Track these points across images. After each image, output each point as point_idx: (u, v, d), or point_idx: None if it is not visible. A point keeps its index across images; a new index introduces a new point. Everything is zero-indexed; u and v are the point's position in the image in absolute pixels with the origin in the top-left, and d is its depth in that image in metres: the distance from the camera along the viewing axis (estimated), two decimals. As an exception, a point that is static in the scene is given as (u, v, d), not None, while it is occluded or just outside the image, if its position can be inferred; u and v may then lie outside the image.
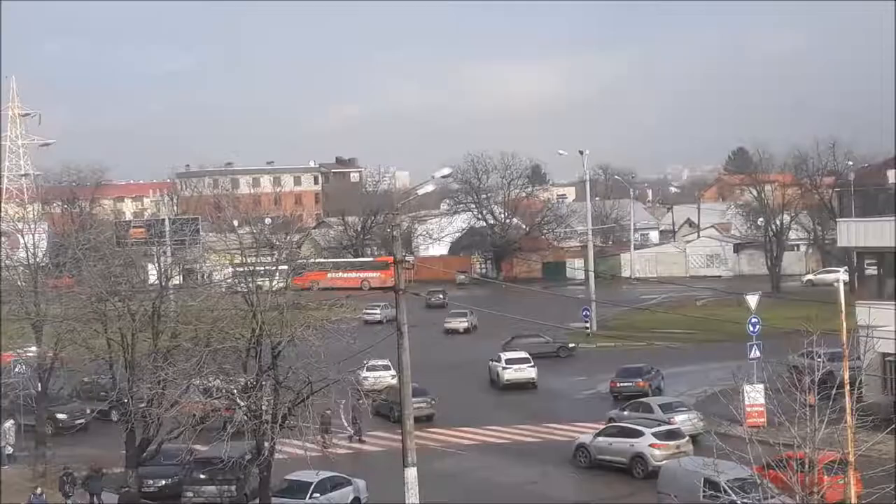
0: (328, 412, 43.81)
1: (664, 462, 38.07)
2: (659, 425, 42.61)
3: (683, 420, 45.45)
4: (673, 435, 41.63)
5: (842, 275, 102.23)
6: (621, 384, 55.47)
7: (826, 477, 28.79)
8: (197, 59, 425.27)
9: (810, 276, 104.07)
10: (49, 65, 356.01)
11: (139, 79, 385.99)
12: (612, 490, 39.95)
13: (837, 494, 27.89)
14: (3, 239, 52.87)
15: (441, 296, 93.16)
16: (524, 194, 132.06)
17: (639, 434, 41.51)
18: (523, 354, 62.12)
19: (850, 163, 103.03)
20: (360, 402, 44.13)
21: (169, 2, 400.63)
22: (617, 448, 41.70)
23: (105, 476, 39.24)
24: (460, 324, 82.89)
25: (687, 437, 41.81)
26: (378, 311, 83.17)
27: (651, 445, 40.75)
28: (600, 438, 42.59)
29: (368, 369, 55.47)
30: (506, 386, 59.66)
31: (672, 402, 48.87)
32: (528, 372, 60.28)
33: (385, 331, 64.65)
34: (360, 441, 48.04)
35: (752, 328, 48.61)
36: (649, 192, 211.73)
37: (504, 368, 60.34)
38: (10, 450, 43.70)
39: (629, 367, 56.90)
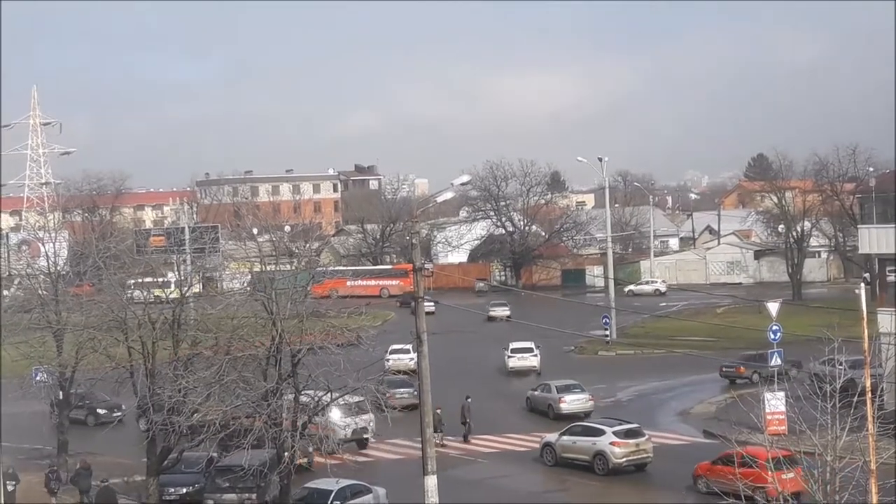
0: (438, 410, 45.64)
1: None
2: (620, 424, 43.93)
3: (573, 399, 53.01)
4: (632, 434, 43.21)
5: (659, 285, 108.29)
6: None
7: (770, 472, 30.52)
8: (216, 68, 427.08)
9: (631, 287, 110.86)
10: (70, 74, 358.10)
11: (159, 87, 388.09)
12: (628, 498, 39.97)
13: (782, 488, 29.13)
14: (23, 247, 53.07)
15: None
16: (543, 201, 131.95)
17: (600, 433, 43.17)
18: (528, 344, 67.12)
19: (871, 168, 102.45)
20: (468, 399, 48.87)
21: (187, 8, 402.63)
22: (580, 446, 43.44)
23: (93, 473, 39.79)
24: (502, 312, 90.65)
25: (647, 436, 43.54)
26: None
27: (611, 443, 42.47)
28: (565, 437, 44.21)
29: (391, 353, 60.98)
30: (511, 372, 66.02)
31: (570, 384, 54.71)
32: (530, 360, 66.53)
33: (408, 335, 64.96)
34: (467, 441, 49.16)
35: (773, 336, 48.49)
36: (669, 199, 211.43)
37: (509, 357, 66.81)
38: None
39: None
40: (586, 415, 52.36)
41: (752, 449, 34.81)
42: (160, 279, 42.18)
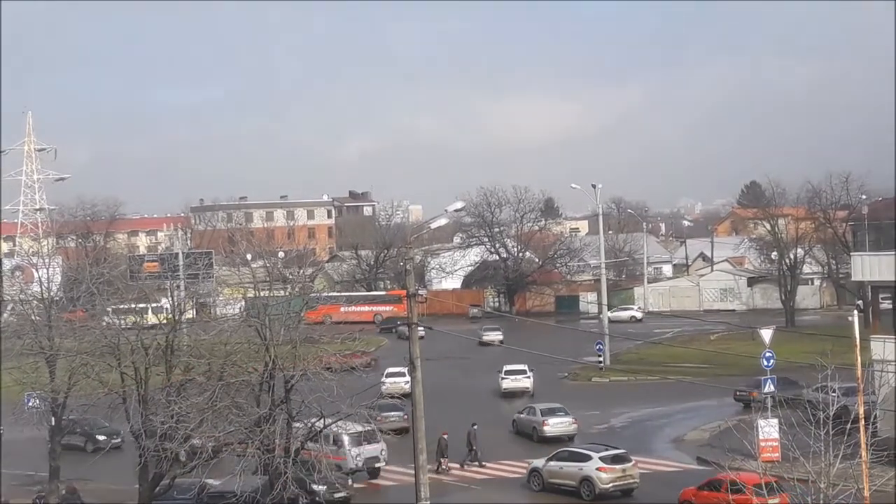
0: (445, 437, 47.75)
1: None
2: (606, 450, 44.23)
3: (556, 423, 53.82)
4: (619, 459, 43.47)
5: (635, 312, 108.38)
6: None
7: (755, 498, 32.42)
8: (211, 94, 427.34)
9: (609, 314, 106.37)
10: (64, 100, 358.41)
11: (155, 113, 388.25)
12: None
13: None
14: (16, 273, 52.97)
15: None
16: (537, 228, 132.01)
17: (587, 458, 43.42)
18: (521, 367, 68.50)
19: (864, 196, 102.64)
20: (474, 426, 49.39)
21: (184, 34, 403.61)
22: (567, 472, 43.60)
23: (80, 497, 40.51)
24: (495, 336, 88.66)
25: (633, 461, 43.66)
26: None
27: (598, 469, 42.70)
28: (552, 463, 44.38)
29: (387, 376, 63.00)
30: (504, 394, 67.61)
31: (554, 408, 55.49)
32: (524, 382, 68.19)
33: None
34: (480, 465, 49.25)
35: (766, 362, 48.52)
36: (662, 226, 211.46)
37: (503, 378, 68.38)
38: None
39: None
40: (570, 438, 53.06)
41: (740, 475, 36.32)
42: (146, 305, 42.13)
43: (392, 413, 53.19)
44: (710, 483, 38.35)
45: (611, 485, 42.54)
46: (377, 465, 46.56)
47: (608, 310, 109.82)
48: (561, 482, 43.63)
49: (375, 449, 46.03)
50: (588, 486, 42.71)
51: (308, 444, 40.21)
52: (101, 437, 53.32)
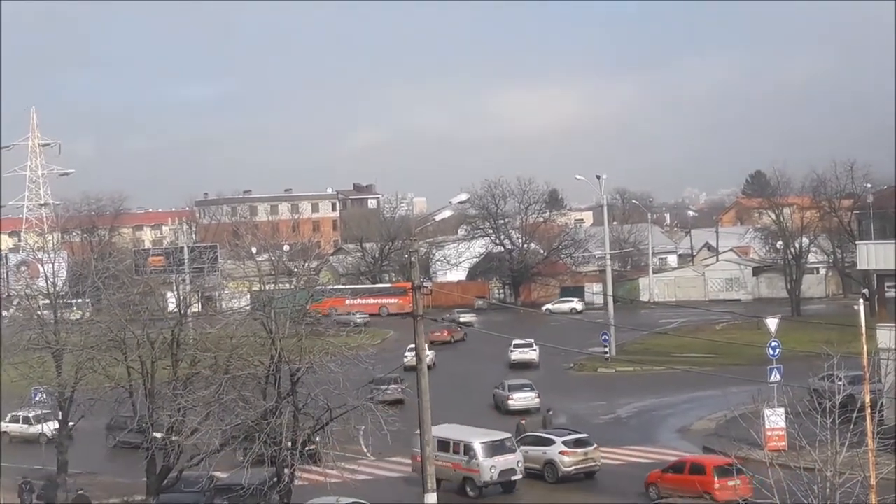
0: (523, 423, 49.91)
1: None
2: (569, 434, 45.82)
3: (520, 397, 59.27)
4: (581, 443, 45.03)
5: (575, 304, 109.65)
6: None
7: (716, 479, 37.79)
8: (216, 89, 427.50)
9: (549, 306, 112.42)
10: (69, 95, 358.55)
11: (159, 107, 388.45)
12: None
13: (728, 495, 35.84)
14: (22, 268, 53.04)
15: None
16: (541, 219, 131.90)
17: (550, 442, 44.86)
18: (528, 341, 75.78)
19: (869, 185, 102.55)
20: (549, 412, 50.93)
21: (190, 30, 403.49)
22: (532, 455, 44.48)
23: (58, 486, 40.65)
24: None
25: (595, 445, 45.14)
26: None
27: (561, 453, 44.15)
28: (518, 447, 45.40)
29: (409, 350, 65.99)
30: (512, 365, 73.68)
31: (521, 384, 61.32)
32: (530, 354, 75.32)
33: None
34: None
35: (772, 352, 48.51)
36: (667, 216, 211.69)
37: (512, 351, 75.20)
38: None
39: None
40: (536, 411, 57.03)
41: (699, 458, 42.70)
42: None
43: (392, 386, 55.28)
44: (675, 466, 41.11)
45: (573, 468, 44.06)
46: (513, 477, 42.66)
47: (549, 304, 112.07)
48: (527, 465, 43.99)
49: (511, 460, 42.48)
50: (551, 469, 44.19)
51: (438, 453, 40.32)
52: (158, 435, 52.38)
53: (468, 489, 42.25)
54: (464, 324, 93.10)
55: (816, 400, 24.64)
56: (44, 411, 47.78)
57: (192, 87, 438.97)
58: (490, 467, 41.75)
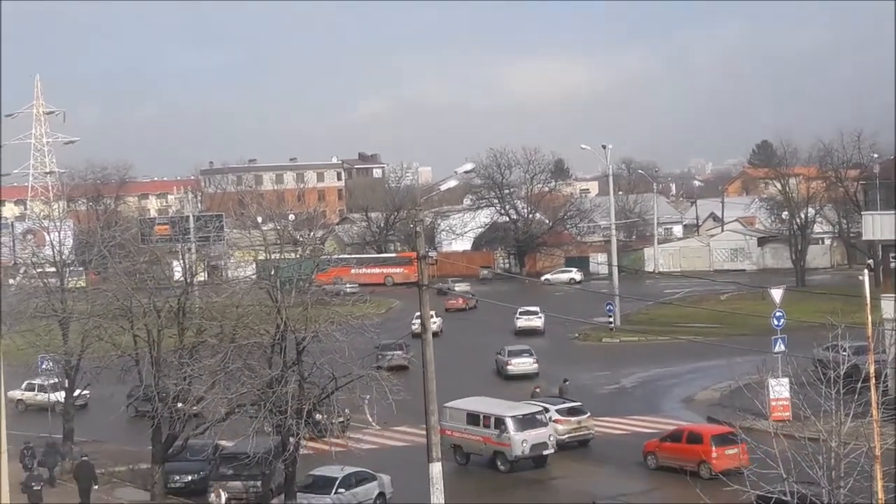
0: (537, 390, 50.91)
1: None
2: (563, 403, 46.42)
3: (518, 362, 60.84)
4: (574, 412, 45.68)
5: (574, 274, 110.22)
6: None
7: (714, 447, 38.39)
8: (221, 57, 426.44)
9: (548, 276, 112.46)
10: (74, 62, 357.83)
11: (164, 76, 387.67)
12: (634, 485, 40.24)
13: (725, 463, 36.33)
14: (28, 236, 53.13)
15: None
16: (547, 189, 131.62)
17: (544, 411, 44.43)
18: (534, 308, 77.65)
19: (876, 155, 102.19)
20: (566, 381, 52.00)
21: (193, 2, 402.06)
22: None
23: (59, 452, 41.19)
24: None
25: (588, 413, 45.80)
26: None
27: (555, 421, 43.96)
28: None
29: (521, 314, 75.82)
30: (518, 332, 74.78)
31: (520, 349, 62.90)
32: (535, 321, 76.57)
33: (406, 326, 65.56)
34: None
35: (776, 322, 48.53)
36: (672, 187, 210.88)
37: (517, 318, 76.54)
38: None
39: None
40: (536, 375, 58.99)
41: (696, 427, 43.03)
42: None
43: (397, 352, 58.01)
44: (672, 435, 41.39)
45: (567, 436, 44.34)
46: (545, 451, 42.01)
47: (547, 274, 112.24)
48: None
49: (543, 434, 41.92)
50: None
51: (467, 426, 41.79)
52: (180, 405, 52.12)
53: (499, 463, 41.77)
54: (462, 293, 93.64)
55: (821, 370, 24.65)
56: (54, 380, 47.74)
57: (197, 55, 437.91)
58: (522, 441, 41.08)
